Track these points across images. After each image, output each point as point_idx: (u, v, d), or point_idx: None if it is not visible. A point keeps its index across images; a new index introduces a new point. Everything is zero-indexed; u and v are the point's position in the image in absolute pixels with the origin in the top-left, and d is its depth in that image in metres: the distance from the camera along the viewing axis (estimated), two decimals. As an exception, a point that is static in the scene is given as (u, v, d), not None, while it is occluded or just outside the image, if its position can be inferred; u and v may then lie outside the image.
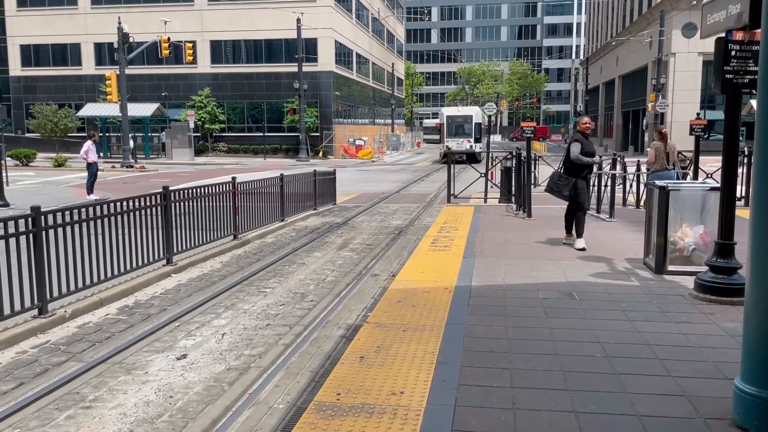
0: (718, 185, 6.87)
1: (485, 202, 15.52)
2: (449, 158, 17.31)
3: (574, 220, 9.43)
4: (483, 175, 16.35)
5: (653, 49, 38.61)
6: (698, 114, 32.12)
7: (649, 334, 5.37)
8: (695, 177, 14.93)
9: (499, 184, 15.90)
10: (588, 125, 9.50)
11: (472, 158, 33.63)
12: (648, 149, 9.07)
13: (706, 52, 36.52)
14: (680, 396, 4.16)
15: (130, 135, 35.52)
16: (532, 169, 15.40)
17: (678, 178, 11.60)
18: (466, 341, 5.23)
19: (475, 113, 39.61)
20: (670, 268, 7.56)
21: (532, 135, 13.66)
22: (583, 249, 9.13)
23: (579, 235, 9.37)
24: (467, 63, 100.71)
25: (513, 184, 14.75)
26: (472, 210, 14.15)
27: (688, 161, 16.29)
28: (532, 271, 7.91)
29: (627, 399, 4.10)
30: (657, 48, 36.93)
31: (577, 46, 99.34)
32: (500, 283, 7.23)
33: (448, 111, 41.40)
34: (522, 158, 13.96)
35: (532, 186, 14.40)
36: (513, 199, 14.55)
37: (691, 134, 15.59)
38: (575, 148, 9.13)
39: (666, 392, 4.22)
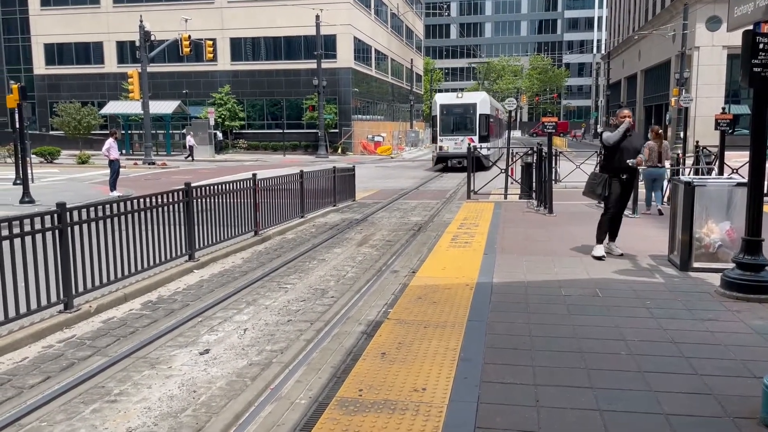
0: (745, 181, 6.74)
1: (505, 198, 15.42)
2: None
3: (599, 221, 8.47)
4: (503, 171, 16.25)
5: (676, 43, 38.04)
6: (723, 108, 31.61)
7: (674, 332, 5.29)
8: (720, 172, 14.70)
9: (519, 180, 15.79)
10: (625, 118, 8.19)
11: (476, 164, 20.85)
12: (643, 147, 8.89)
13: (732, 46, 35.94)
14: (707, 395, 4.09)
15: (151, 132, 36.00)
16: (554, 165, 15.25)
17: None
18: (488, 338, 5.20)
19: (481, 101, 28.73)
20: (696, 265, 7.45)
21: (554, 130, 13.53)
22: (601, 258, 8.15)
23: (598, 240, 8.38)
24: (487, 58, 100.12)
25: (534, 180, 14.64)
26: (493, 206, 14.07)
27: (714, 156, 16.03)
28: (554, 267, 7.84)
29: (653, 397, 4.05)
30: (680, 42, 36.37)
31: (599, 41, 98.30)
32: (522, 280, 7.18)
33: (442, 98, 29.85)
34: (543, 154, 13.84)
35: (554, 182, 14.27)
36: (534, 195, 14.44)
37: (716, 129, 15.34)
38: (606, 135, 8.20)
39: (692, 391, 4.16)
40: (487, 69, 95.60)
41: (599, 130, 68.89)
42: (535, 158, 14.71)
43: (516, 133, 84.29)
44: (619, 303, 6.19)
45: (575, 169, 16.92)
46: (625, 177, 8.18)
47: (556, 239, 9.82)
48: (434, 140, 29.48)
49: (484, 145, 26.73)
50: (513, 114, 36.87)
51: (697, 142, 17.99)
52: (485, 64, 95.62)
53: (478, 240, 9.78)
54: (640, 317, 5.73)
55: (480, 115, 28.22)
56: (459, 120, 28.82)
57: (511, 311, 5.96)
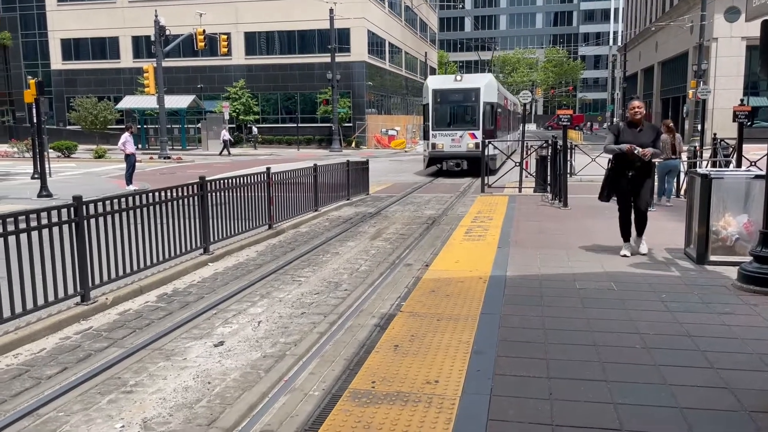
0: (763, 173, 6.65)
1: (520, 191, 15.35)
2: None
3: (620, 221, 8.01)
4: (518, 164, 16.16)
5: (694, 34, 37.55)
6: (742, 100, 31.15)
7: (690, 325, 5.25)
8: (738, 165, 14.50)
9: (534, 174, 15.70)
10: (634, 110, 7.66)
11: (475, 164, 19.19)
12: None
13: (750, 36, 35.37)
14: (723, 388, 4.05)
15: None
16: (569, 158, 15.15)
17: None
18: (502, 331, 5.19)
19: (486, 85, 22.48)
20: (713, 258, 7.37)
21: (569, 123, 13.43)
22: (624, 256, 7.82)
23: (622, 239, 8.07)
24: (501, 51, 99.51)
25: (549, 173, 14.56)
26: (507, 200, 14.01)
27: (732, 149, 15.82)
28: (568, 260, 7.80)
29: (668, 391, 4.02)
30: (698, 33, 35.89)
31: (615, 32, 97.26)
32: (536, 273, 7.15)
33: (436, 82, 23.67)
34: (558, 147, 13.75)
35: (569, 175, 14.18)
36: (549, 188, 14.36)
37: (734, 121, 15.11)
38: (607, 140, 7.87)
39: (708, 384, 4.12)
40: (502, 62, 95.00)
41: (614, 122, 68.42)
42: (549, 151, 14.62)
43: (531, 127, 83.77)
44: (635, 296, 6.14)
45: (590, 163, 16.80)
46: (630, 174, 7.61)
47: (570, 232, 9.77)
48: (425, 136, 22.94)
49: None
50: (528, 107, 32.80)
51: (715, 134, 17.76)
52: (500, 57, 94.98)
53: (492, 233, 9.75)
54: (656, 310, 5.69)
55: (484, 103, 21.83)
56: (457, 109, 22.63)
57: (524, 304, 5.94)
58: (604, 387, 4.08)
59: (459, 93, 22.25)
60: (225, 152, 37.20)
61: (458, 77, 22.89)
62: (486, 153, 16.92)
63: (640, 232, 7.97)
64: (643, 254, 7.90)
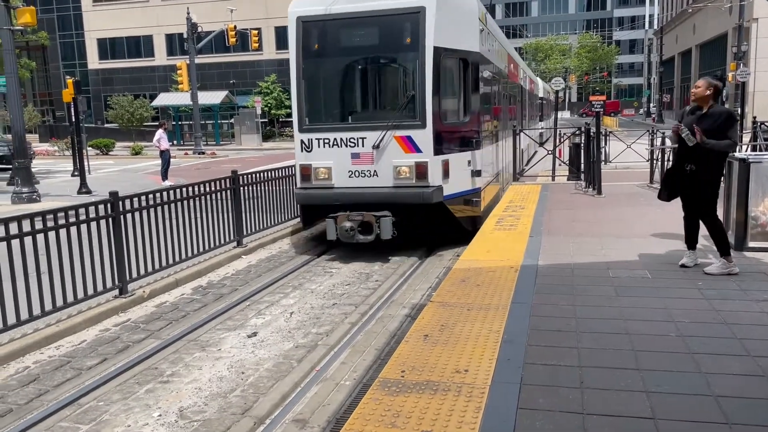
0: (805, 156, 6.44)
1: (553, 180, 15.16)
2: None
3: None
4: (550, 152, 15.97)
5: (733, 15, 36.43)
6: (784, 82, 30.16)
7: (727, 313, 5.13)
8: (780, 149, 14.09)
9: (567, 162, 15.50)
10: (691, 91, 6.36)
11: (418, 216, 8.84)
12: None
13: (793, 16, 34.21)
14: (761, 377, 3.96)
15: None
16: (602, 145, 14.90)
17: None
18: (532, 320, 5.15)
19: (441, 4, 8.64)
20: (751, 244, 7.18)
21: (602, 109, 13.20)
22: (682, 266, 6.55)
23: (687, 245, 6.66)
24: (534, 38, 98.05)
25: (582, 160, 14.35)
26: (539, 188, 13.86)
27: (772, 132, 15.38)
28: (601, 249, 7.69)
29: (702, 379, 3.95)
30: (737, 13, 34.82)
31: (650, 16, 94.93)
32: (568, 262, 7.07)
33: (308, 3, 9.08)
34: (591, 134, 13.53)
35: (603, 162, 13.95)
36: (582, 176, 14.15)
37: (775, 103, 14.67)
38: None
39: (745, 372, 4.03)
40: (534, 49, 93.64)
41: (650, 108, 66.81)
42: (583, 138, 14.40)
43: (565, 114, 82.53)
44: (669, 284, 6.03)
45: (625, 149, 16.49)
46: (689, 168, 6.16)
47: (604, 221, 9.62)
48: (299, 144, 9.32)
49: (457, 164, 9.13)
50: (561, 94, 28.87)
51: (755, 117, 17.28)
52: (532, 44, 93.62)
53: (524, 222, 9.66)
54: (691, 298, 5.58)
55: (438, 52, 8.67)
56: (365, 73, 9.41)
57: (556, 293, 5.88)
58: (636, 375, 4.03)
59: (366, 28, 9.04)
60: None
61: None
62: (455, 182, 8.83)
63: (716, 246, 6.38)
64: (707, 273, 6.28)
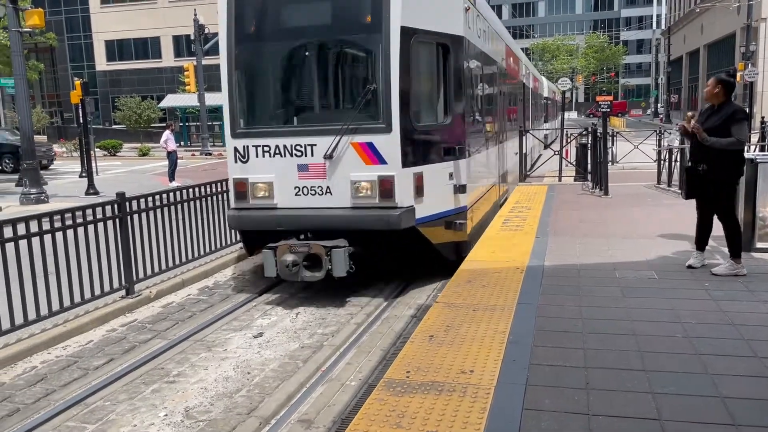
0: (813, 156, 6.41)
1: (560, 180, 15.12)
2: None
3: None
4: (557, 153, 15.93)
5: (741, 15, 36.24)
6: (793, 82, 29.99)
7: (734, 314, 5.11)
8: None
9: (574, 162, 15.46)
10: (706, 90, 6.26)
11: (381, 245, 7.24)
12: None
13: (802, 15, 34.02)
14: (768, 378, 3.94)
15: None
16: (610, 146, 14.86)
17: None
18: (538, 321, 5.14)
19: None
20: (759, 245, 7.14)
21: (609, 109, 13.17)
22: (689, 267, 6.50)
23: (696, 246, 6.64)
24: (540, 38, 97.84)
25: (589, 161, 14.31)
26: (546, 189, 13.83)
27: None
28: (608, 249, 7.66)
29: (709, 380, 3.93)
30: (746, 13, 34.64)
31: (658, 16, 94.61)
32: (574, 263, 7.05)
33: None
34: (598, 134, 13.50)
35: (610, 163, 13.91)
36: (589, 177, 14.12)
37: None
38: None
39: (752, 374, 4.01)
40: (541, 49, 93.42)
41: (658, 108, 66.54)
42: (590, 139, 14.36)
43: (572, 115, 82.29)
44: (676, 285, 6.00)
45: (633, 150, 16.43)
46: (701, 168, 6.08)
47: (610, 221, 9.59)
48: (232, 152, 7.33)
49: (434, 178, 7.23)
50: (568, 94, 28.61)
51: (763, 117, 17.18)
52: (539, 44, 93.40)
53: (530, 223, 9.64)
54: (698, 299, 5.55)
55: (405, 33, 6.68)
56: (314, 63, 7.17)
57: (562, 294, 5.87)
58: (642, 376, 4.02)
59: (316, 3, 7.16)
60: None
61: None
62: (431, 202, 7.17)
63: (728, 247, 6.30)
64: (714, 274, 6.21)
